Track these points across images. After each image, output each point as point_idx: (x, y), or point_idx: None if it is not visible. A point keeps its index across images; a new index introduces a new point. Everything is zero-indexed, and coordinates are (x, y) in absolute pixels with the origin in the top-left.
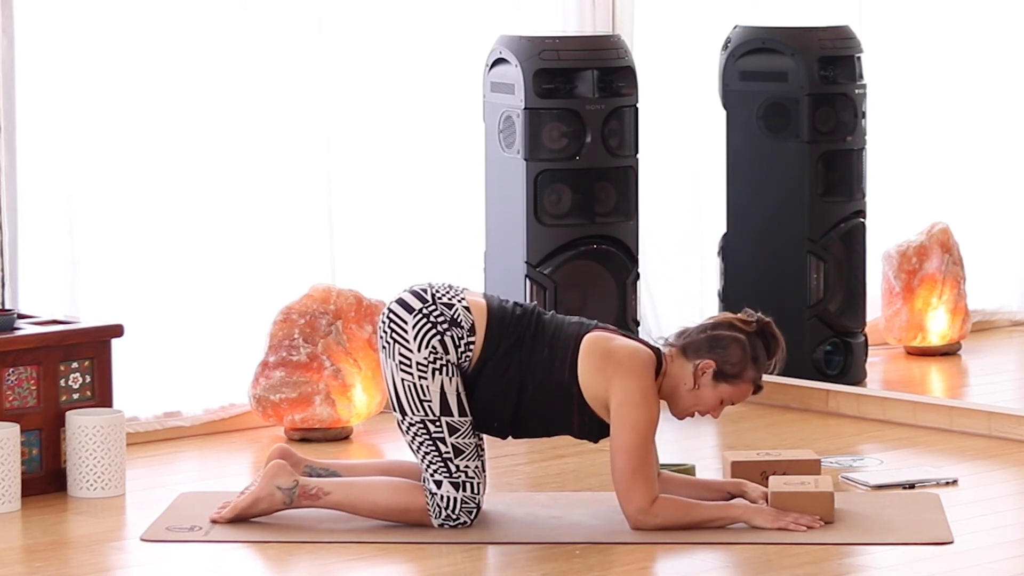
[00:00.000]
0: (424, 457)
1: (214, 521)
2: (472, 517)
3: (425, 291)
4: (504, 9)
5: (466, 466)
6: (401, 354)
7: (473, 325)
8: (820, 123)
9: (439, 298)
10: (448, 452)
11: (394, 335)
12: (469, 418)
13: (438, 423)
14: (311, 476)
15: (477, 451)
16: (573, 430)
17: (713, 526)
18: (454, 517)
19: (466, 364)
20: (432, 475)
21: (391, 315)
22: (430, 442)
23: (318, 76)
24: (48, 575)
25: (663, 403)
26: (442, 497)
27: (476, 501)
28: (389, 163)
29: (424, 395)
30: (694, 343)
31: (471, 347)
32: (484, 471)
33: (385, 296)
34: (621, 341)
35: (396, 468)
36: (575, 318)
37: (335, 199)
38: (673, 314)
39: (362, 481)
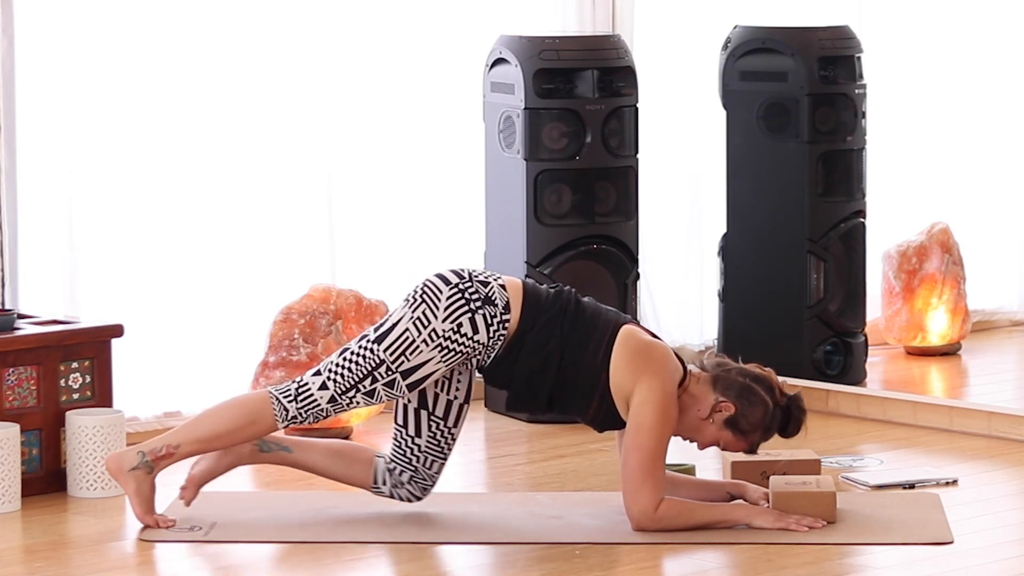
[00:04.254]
0: (342, 367)
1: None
2: (309, 420)
3: (463, 271)
4: (504, 9)
5: (358, 402)
6: (424, 313)
7: (508, 303)
8: (820, 123)
9: (476, 276)
10: (364, 386)
11: (425, 297)
12: (407, 402)
13: (390, 374)
14: (262, 452)
15: (374, 404)
16: (587, 415)
17: (716, 528)
18: (299, 407)
19: (499, 342)
20: (325, 374)
21: (428, 283)
22: (363, 370)
23: (318, 76)
24: (48, 575)
25: None
26: (304, 385)
27: (325, 415)
28: (389, 163)
29: (410, 353)
30: (727, 380)
31: (505, 326)
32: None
33: (385, 296)
34: (658, 342)
35: (347, 450)
36: (610, 308)
37: (335, 199)
38: (673, 314)
39: (204, 414)
